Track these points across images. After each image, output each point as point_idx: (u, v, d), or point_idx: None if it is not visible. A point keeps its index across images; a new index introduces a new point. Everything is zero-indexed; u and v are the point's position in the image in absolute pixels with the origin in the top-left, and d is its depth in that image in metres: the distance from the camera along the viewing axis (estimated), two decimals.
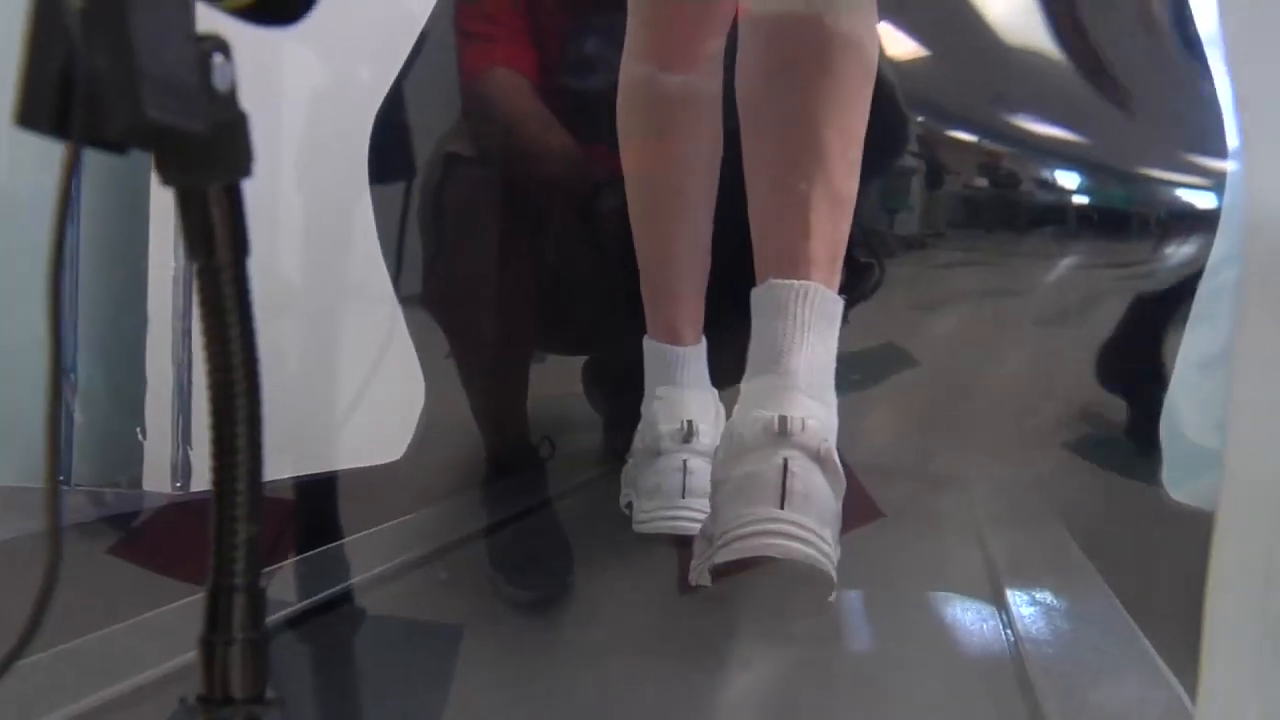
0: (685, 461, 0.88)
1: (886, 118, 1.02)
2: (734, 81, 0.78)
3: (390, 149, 1.02)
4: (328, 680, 0.69)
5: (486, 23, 1.05)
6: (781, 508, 0.62)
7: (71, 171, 0.34)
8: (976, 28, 1.05)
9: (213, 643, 0.41)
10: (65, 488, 1.17)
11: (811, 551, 0.62)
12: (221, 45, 0.38)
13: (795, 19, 0.73)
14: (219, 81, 0.38)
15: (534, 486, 1.05)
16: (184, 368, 1.13)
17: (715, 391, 0.96)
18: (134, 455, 1.17)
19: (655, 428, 0.92)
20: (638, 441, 0.94)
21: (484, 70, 1.06)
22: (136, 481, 1.17)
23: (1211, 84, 0.77)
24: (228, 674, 0.41)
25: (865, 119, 0.75)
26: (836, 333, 0.72)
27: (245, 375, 0.41)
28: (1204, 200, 0.96)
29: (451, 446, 1.11)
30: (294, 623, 0.75)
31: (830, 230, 0.72)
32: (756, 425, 0.65)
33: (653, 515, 0.89)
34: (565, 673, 0.70)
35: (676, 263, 0.94)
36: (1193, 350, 0.74)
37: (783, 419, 0.65)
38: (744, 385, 0.71)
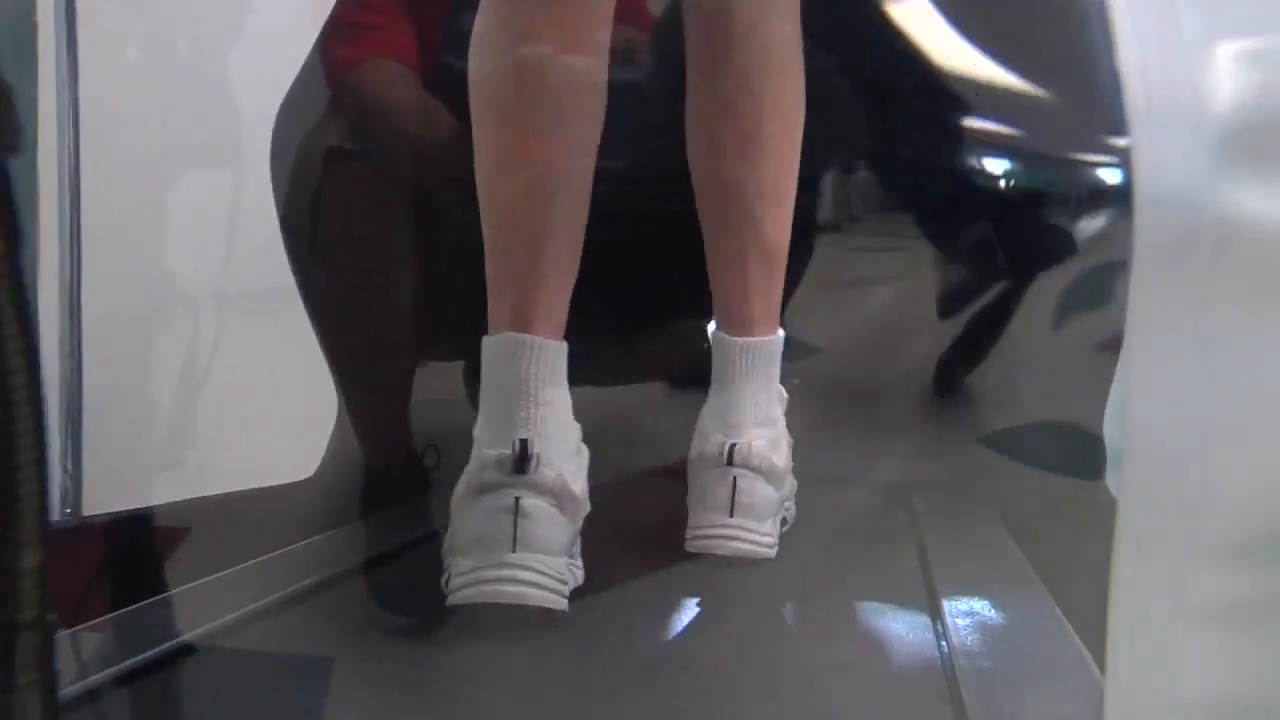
0: (518, 500, 0.69)
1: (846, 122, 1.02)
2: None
3: (290, 148, 0.98)
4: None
5: (361, 8, 0.99)
6: (731, 516, 0.83)
7: None
8: (881, 20, 1.03)
9: None
10: None
11: (749, 548, 0.83)
12: None
13: (736, 87, 0.86)
14: None
15: (419, 516, 0.99)
16: (74, 390, 1.08)
17: (578, 429, 0.77)
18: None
19: (483, 457, 0.71)
20: (460, 486, 0.73)
21: (361, 61, 1.00)
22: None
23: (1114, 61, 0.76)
24: None
25: (795, 175, 0.88)
26: (778, 362, 0.89)
27: (26, 381, 0.36)
28: (1114, 177, 0.95)
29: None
30: (151, 668, 0.70)
31: (767, 284, 0.88)
32: (715, 448, 0.84)
33: (473, 577, 0.68)
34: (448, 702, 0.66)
35: (540, 235, 0.77)
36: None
37: (732, 447, 0.83)
38: (710, 396, 0.87)
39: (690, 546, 0.83)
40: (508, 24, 0.77)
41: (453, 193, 0.91)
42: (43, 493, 0.37)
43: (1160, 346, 0.41)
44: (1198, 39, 0.41)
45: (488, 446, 0.71)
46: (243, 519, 0.97)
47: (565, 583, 0.71)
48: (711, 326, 0.89)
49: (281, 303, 1.04)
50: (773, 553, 0.84)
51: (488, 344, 0.75)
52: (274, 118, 0.95)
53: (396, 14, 1.00)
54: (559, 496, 0.70)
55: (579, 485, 0.73)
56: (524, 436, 0.70)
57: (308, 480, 1.04)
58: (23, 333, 0.36)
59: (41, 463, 0.37)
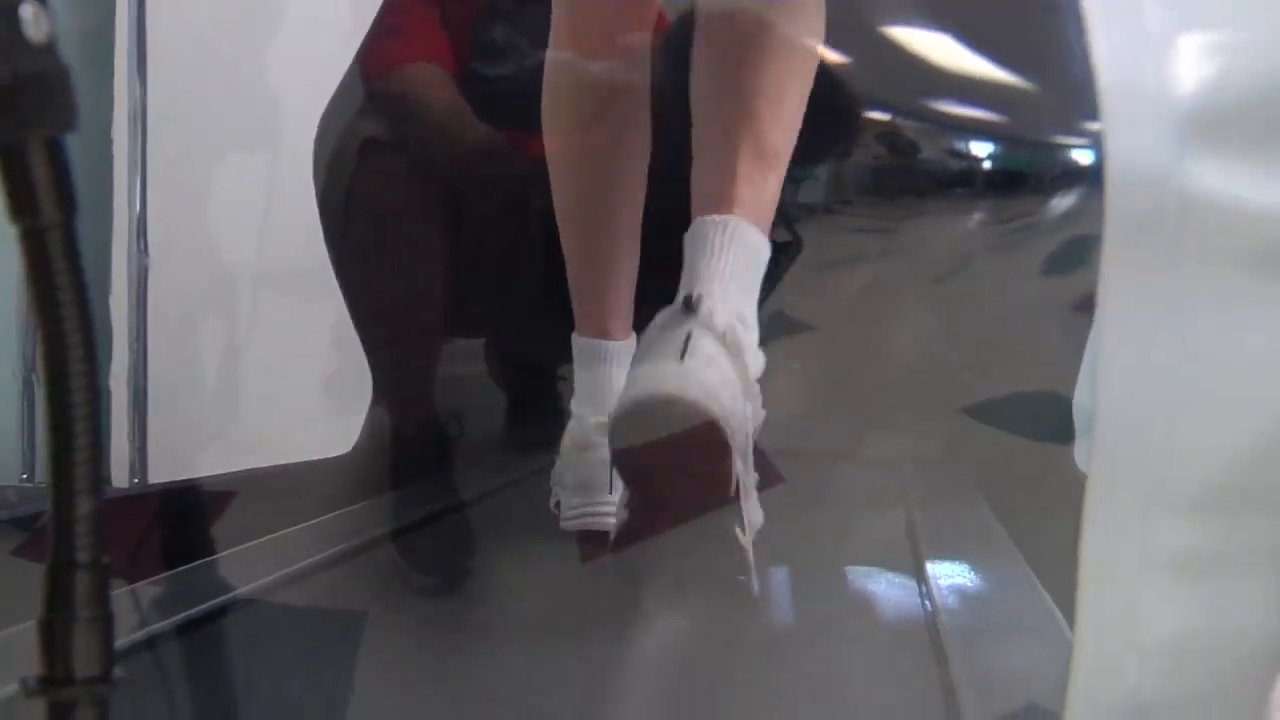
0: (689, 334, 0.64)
1: (839, 112, 1.00)
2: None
3: (332, 145, 0.97)
4: (239, 676, 0.64)
5: (392, 13, 0.99)
6: (681, 360, 0.63)
7: None
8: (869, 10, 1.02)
9: (52, 623, 0.37)
10: (30, 484, 1.13)
11: (704, 400, 0.62)
12: None
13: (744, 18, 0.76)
14: (32, 31, 0.33)
15: (447, 486, 0.99)
16: (140, 367, 1.08)
17: None
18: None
19: (584, 422, 0.84)
20: (566, 440, 0.87)
21: (395, 65, 0.99)
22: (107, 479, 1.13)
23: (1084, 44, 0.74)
24: (70, 654, 0.37)
25: (805, 81, 0.76)
26: (761, 272, 0.72)
27: (80, 343, 0.36)
28: (1085, 157, 0.94)
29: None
30: (206, 620, 0.70)
31: (757, 175, 0.72)
32: (668, 310, 0.68)
33: (579, 511, 0.81)
34: (472, 655, 0.66)
35: (606, 258, 0.88)
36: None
37: (690, 296, 0.65)
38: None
39: (622, 405, 0.64)
40: (558, 32, 0.81)
41: (478, 186, 0.92)
42: (95, 445, 0.37)
43: (1129, 312, 0.41)
44: (1162, 32, 0.41)
45: (590, 417, 0.83)
46: (287, 490, 0.97)
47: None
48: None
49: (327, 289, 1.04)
50: (740, 439, 0.65)
51: (577, 342, 0.88)
52: (318, 116, 0.96)
53: (428, 20, 1.00)
54: None
55: None
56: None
57: (344, 456, 1.04)
58: (77, 298, 0.36)
59: (94, 418, 0.37)
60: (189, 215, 0.97)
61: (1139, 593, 0.42)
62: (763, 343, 0.71)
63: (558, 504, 0.86)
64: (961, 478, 0.95)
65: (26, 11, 0.33)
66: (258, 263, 1.06)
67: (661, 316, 0.68)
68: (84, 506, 0.37)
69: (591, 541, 0.75)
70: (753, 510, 0.71)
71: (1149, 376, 0.41)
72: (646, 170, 0.86)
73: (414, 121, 1.00)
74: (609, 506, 0.79)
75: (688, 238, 0.72)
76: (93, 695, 0.37)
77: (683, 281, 0.70)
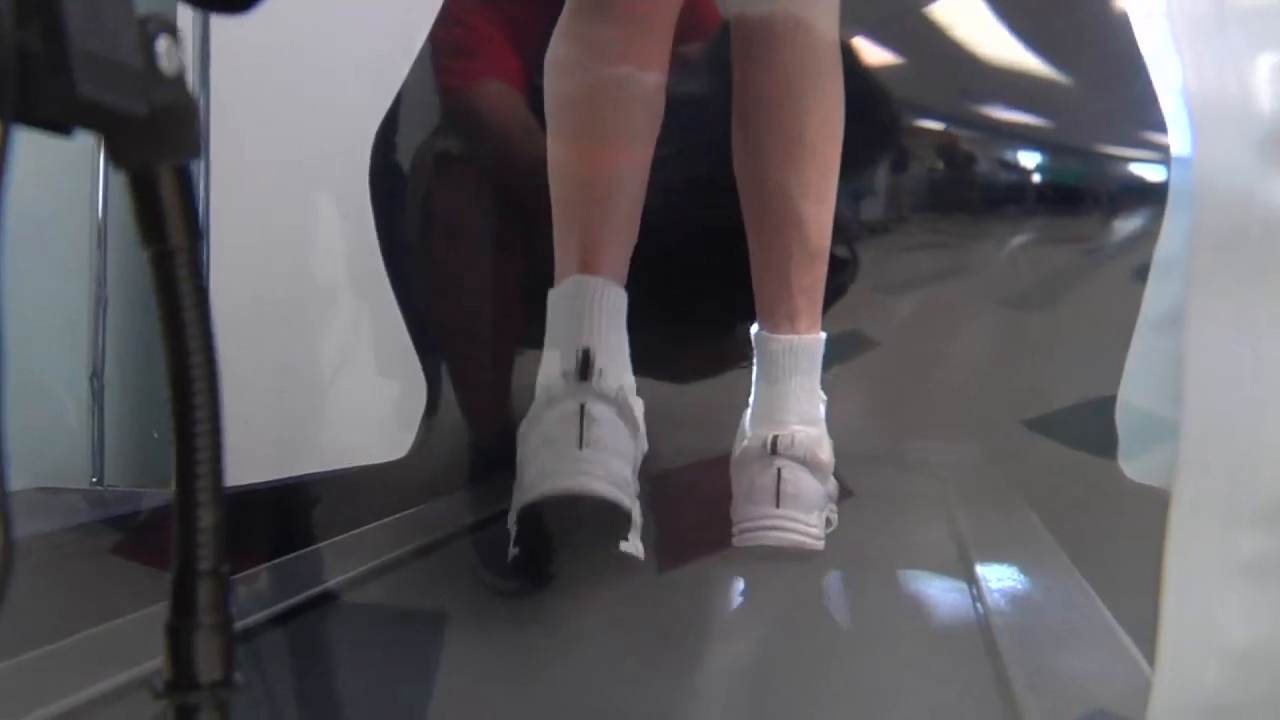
0: (583, 406, 0.69)
1: (880, 121, 1.00)
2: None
3: (390, 160, 0.99)
4: (319, 671, 0.65)
5: (466, 32, 1.00)
6: (777, 507, 0.78)
7: (4, 151, 0.31)
8: (927, 18, 1.01)
9: (178, 628, 0.38)
10: (98, 488, 1.14)
11: (797, 538, 0.79)
12: (169, 27, 0.35)
13: (770, 90, 0.83)
14: (165, 64, 0.34)
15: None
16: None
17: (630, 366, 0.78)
18: (162, 457, 1.14)
19: (550, 371, 0.74)
20: (526, 419, 0.75)
21: (469, 84, 1.00)
22: (165, 481, 1.14)
23: (1142, 59, 0.74)
24: (194, 659, 0.38)
25: (835, 177, 0.85)
26: (819, 362, 0.85)
27: (203, 361, 0.37)
28: (1153, 173, 0.92)
29: (453, 443, 1.07)
30: (287, 617, 0.71)
31: (809, 285, 0.84)
32: (758, 442, 0.80)
33: (542, 479, 0.69)
34: (549, 657, 0.66)
35: (601, 201, 0.80)
36: (1150, 310, 0.71)
37: (775, 438, 0.80)
38: (752, 401, 0.84)
39: (738, 541, 0.80)
40: (585, 46, 0.80)
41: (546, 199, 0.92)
42: (218, 459, 0.38)
43: (1214, 326, 0.41)
44: (1245, 51, 0.41)
45: (554, 370, 0.72)
46: (345, 494, 0.98)
47: (627, 482, 0.72)
48: (754, 328, 0.87)
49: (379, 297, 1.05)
50: (820, 545, 0.81)
51: (554, 293, 0.77)
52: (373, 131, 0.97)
53: (500, 39, 1.01)
54: (619, 406, 0.72)
55: (638, 410, 0.77)
56: (587, 346, 0.71)
57: (401, 460, 1.05)
58: (201, 318, 0.37)
59: (217, 433, 0.38)
60: (245, 227, 0.99)
61: (1219, 599, 0.42)
62: (835, 360, 0.85)
63: (518, 492, 0.74)
64: (1011, 486, 0.94)
65: (161, 44, 0.34)
66: (310, 273, 1.08)
67: (754, 447, 0.81)
68: (207, 518, 0.38)
69: (669, 551, 0.76)
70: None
71: (1233, 388, 0.41)
72: (661, 114, 0.82)
73: (488, 136, 1.01)
74: (579, 464, 0.69)
75: (757, 344, 0.85)
76: (216, 699, 0.38)
77: (757, 383, 0.84)
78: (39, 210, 1.03)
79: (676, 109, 0.84)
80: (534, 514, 0.69)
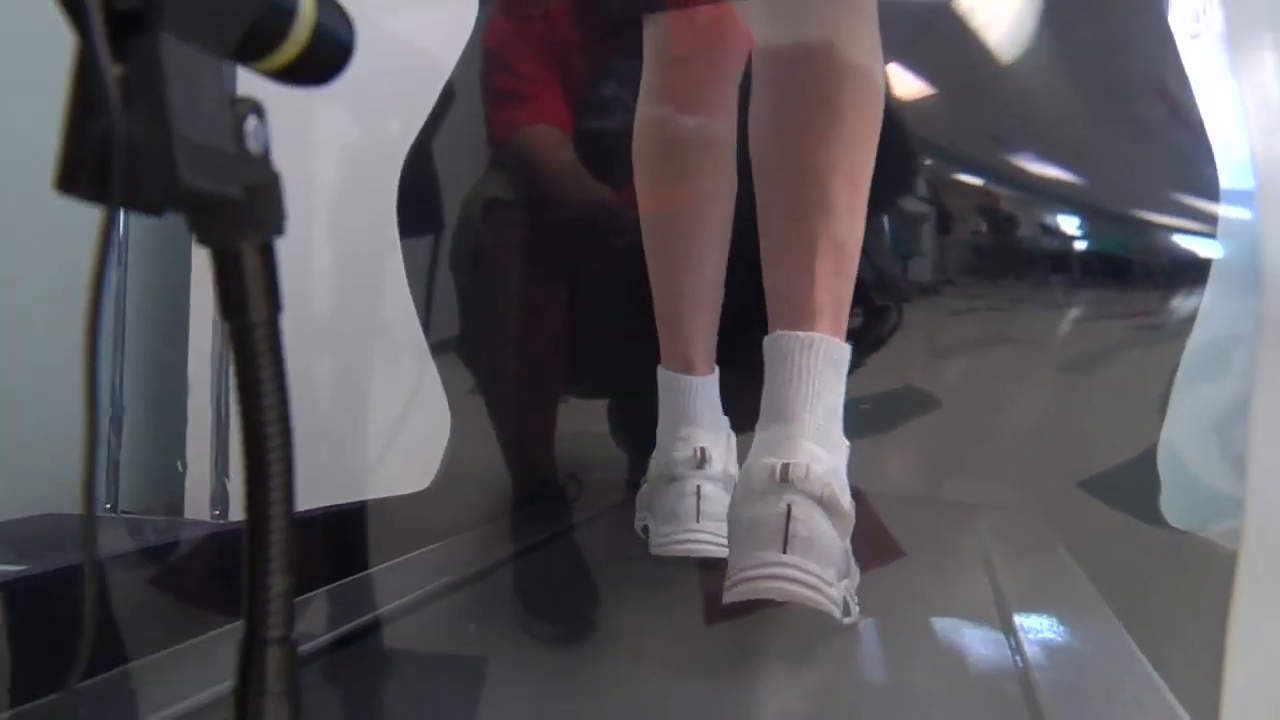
0: (699, 487, 0.87)
1: (894, 151, 0.99)
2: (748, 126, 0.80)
3: (417, 200, 1.00)
4: (353, 714, 0.66)
5: (516, 80, 1.03)
6: (784, 552, 0.63)
7: (108, 234, 0.32)
8: (981, 75, 1.02)
9: (245, 695, 0.39)
10: (112, 514, 1.16)
11: (810, 594, 0.64)
12: (256, 108, 0.36)
13: (802, 60, 0.72)
14: (253, 144, 0.36)
15: (557, 516, 1.02)
16: (222, 402, 1.12)
17: (727, 421, 0.93)
18: (175, 484, 1.16)
19: (669, 454, 0.90)
20: (652, 468, 0.93)
21: (519, 128, 1.04)
22: (178, 509, 1.16)
23: (1204, 129, 0.75)
24: None
25: (870, 165, 0.74)
26: (844, 378, 0.72)
27: (279, 431, 0.39)
28: (1206, 247, 0.92)
29: (475, 477, 1.08)
30: (319, 655, 0.72)
31: (834, 279, 0.71)
32: (763, 472, 0.66)
33: (668, 539, 0.87)
34: (591, 706, 0.67)
35: (688, 296, 0.92)
36: (1191, 375, 0.72)
37: (785, 466, 0.65)
38: (757, 430, 0.71)
39: (730, 595, 0.65)
40: (651, 89, 0.85)
41: (596, 243, 0.96)
42: (290, 528, 0.39)
43: None
44: None
45: (675, 450, 0.89)
46: (373, 525, 0.99)
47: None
48: (767, 337, 0.73)
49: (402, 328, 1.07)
50: (837, 610, 0.66)
51: (663, 374, 0.93)
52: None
53: (549, 83, 1.04)
54: (724, 481, 0.88)
55: (733, 467, 0.89)
56: (701, 445, 0.88)
57: (423, 491, 1.06)
58: (278, 389, 0.38)
59: (289, 501, 0.39)
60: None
61: None
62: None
63: (645, 528, 0.92)
64: (1046, 535, 0.95)
65: (250, 125, 0.36)
66: (332, 301, 1.09)
67: (757, 476, 0.67)
68: (279, 585, 0.39)
69: (716, 605, 0.74)
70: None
71: None
72: (732, 213, 0.90)
73: (539, 180, 1.04)
74: (695, 534, 0.86)
75: (768, 349, 0.71)
76: None
77: (766, 399, 0.71)
78: (60, 234, 1.05)
79: None
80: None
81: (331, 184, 1.02)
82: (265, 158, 0.36)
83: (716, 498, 0.86)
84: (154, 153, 0.31)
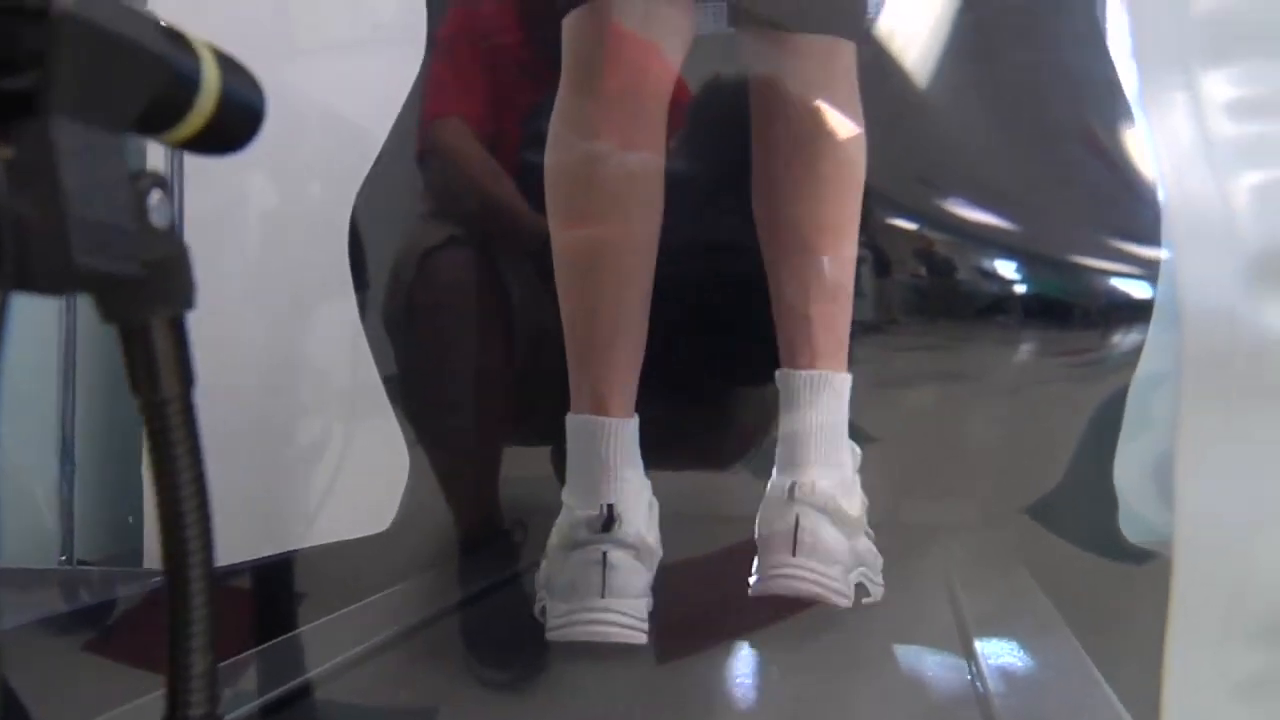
0: (605, 554, 0.75)
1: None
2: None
3: (369, 236, 1.00)
4: None
5: (455, 79, 1.01)
6: (794, 555, 0.75)
7: (1, 315, 0.32)
8: (914, 121, 1.04)
9: None
10: (68, 566, 1.14)
11: (815, 589, 0.75)
12: (159, 181, 0.36)
13: (794, 127, 0.83)
14: (157, 219, 0.35)
15: (505, 562, 1.00)
16: None
17: (649, 484, 0.83)
18: (133, 534, 1.14)
19: (573, 514, 0.78)
20: (554, 537, 0.81)
21: (440, 116, 1.02)
22: (136, 559, 1.14)
23: (1141, 174, 0.76)
24: None
25: (858, 213, 0.84)
26: (845, 402, 0.82)
27: (197, 507, 0.38)
28: (1141, 290, 0.93)
29: (435, 518, 1.07)
30: (271, 709, 0.71)
31: (832, 321, 0.83)
32: (779, 490, 0.78)
33: (567, 620, 0.75)
34: None
35: (603, 323, 0.83)
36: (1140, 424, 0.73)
37: (794, 484, 0.77)
38: (778, 451, 0.81)
39: (753, 590, 0.77)
40: (573, 124, 0.82)
41: (521, 260, 0.93)
42: (212, 604, 0.38)
43: (1205, 444, 0.42)
44: (1230, 171, 0.43)
45: (578, 509, 0.79)
46: (328, 571, 0.98)
47: (644, 620, 0.76)
48: (779, 371, 0.83)
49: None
50: (845, 601, 0.76)
51: (571, 421, 0.82)
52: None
53: (480, 85, 1.02)
54: (639, 549, 0.78)
55: (653, 536, 0.81)
56: (609, 502, 0.78)
57: (384, 533, 1.05)
58: (194, 464, 0.38)
59: (210, 578, 0.38)
60: (217, 296, 1.00)
61: (1218, 714, 0.44)
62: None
63: (543, 610, 0.80)
64: (1010, 559, 0.95)
65: (154, 199, 0.35)
66: (290, 344, 1.09)
67: (774, 495, 0.78)
68: (200, 664, 0.38)
69: (667, 642, 0.75)
70: None
71: (1226, 507, 0.43)
72: (655, 248, 0.84)
73: (451, 171, 1.02)
74: (599, 613, 0.75)
75: (781, 384, 0.83)
76: None
77: (783, 425, 0.81)
78: None
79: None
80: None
81: (291, 217, 1.01)
82: (171, 231, 0.36)
83: (627, 569, 0.75)
84: (47, 235, 0.31)
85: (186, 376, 0.37)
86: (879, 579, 0.83)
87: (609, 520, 0.76)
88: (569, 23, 0.83)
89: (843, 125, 0.84)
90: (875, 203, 0.93)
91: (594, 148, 0.82)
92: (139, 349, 0.36)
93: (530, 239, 0.89)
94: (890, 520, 0.88)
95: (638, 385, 0.83)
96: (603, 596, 0.74)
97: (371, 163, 1.00)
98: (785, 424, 0.81)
